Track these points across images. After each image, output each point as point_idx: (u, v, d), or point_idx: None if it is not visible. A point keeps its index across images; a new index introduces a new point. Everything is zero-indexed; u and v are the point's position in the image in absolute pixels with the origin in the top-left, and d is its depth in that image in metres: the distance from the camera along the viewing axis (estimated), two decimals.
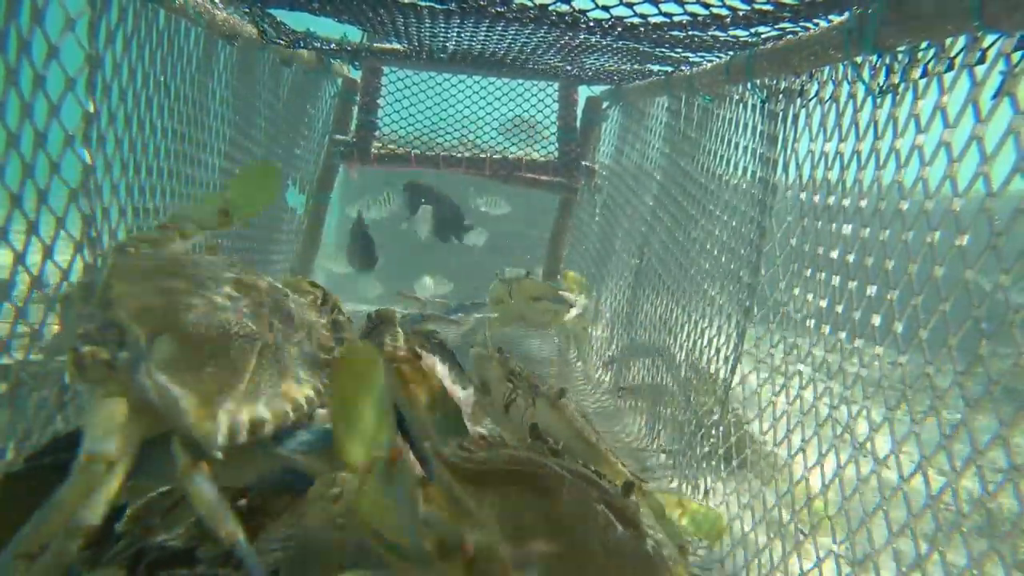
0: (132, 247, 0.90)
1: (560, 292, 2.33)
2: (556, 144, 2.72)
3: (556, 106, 2.71)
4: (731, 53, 1.44)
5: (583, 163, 2.73)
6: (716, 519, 1.16)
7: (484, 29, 1.58)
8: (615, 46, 1.59)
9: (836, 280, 1.12)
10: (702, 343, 1.60)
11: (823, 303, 1.15)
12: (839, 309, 1.11)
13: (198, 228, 1.01)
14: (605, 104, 2.77)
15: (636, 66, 1.95)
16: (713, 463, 1.48)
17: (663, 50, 1.56)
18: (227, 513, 0.65)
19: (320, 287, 1.04)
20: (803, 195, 1.24)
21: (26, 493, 0.73)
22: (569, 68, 2.22)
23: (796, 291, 1.24)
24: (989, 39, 0.82)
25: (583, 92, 2.73)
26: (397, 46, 2.17)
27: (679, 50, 1.53)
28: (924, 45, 0.92)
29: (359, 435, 0.56)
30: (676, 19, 1.16)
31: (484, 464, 0.65)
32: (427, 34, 1.75)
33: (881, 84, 1.00)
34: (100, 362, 0.73)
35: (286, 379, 0.80)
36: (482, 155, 2.64)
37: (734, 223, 1.52)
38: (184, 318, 0.78)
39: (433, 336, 1.10)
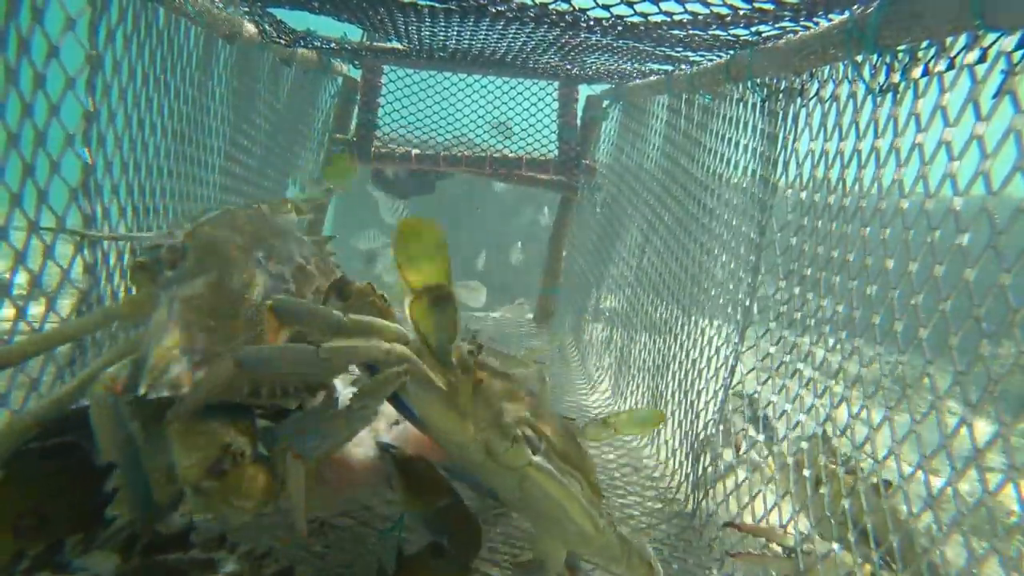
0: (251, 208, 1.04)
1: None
2: (556, 143, 2.72)
3: (556, 104, 2.71)
4: (732, 52, 1.44)
5: (583, 162, 2.73)
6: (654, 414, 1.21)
7: (484, 28, 1.58)
8: (615, 45, 1.59)
9: (836, 279, 1.12)
10: (702, 342, 1.60)
11: (823, 302, 1.15)
12: (839, 308, 1.11)
13: (307, 205, 1.19)
14: (605, 103, 2.77)
15: (636, 65, 1.95)
16: (715, 461, 1.48)
17: (663, 49, 1.56)
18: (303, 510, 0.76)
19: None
20: (803, 194, 1.24)
21: (27, 476, 0.76)
22: (569, 67, 2.22)
23: (796, 290, 1.24)
24: (990, 38, 0.82)
25: (583, 91, 2.74)
26: (397, 45, 2.17)
27: (679, 49, 1.53)
28: (925, 44, 0.92)
29: (418, 268, 0.75)
30: (677, 18, 1.16)
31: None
32: (427, 33, 1.75)
33: (881, 83, 1.00)
34: (147, 272, 0.86)
35: None
36: (482, 153, 2.64)
37: (734, 221, 1.52)
38: (229, 273, 0.86)
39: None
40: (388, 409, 1.05)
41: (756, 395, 1.38)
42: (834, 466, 1.14)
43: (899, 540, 0.94)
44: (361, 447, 1.01)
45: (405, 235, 0.73)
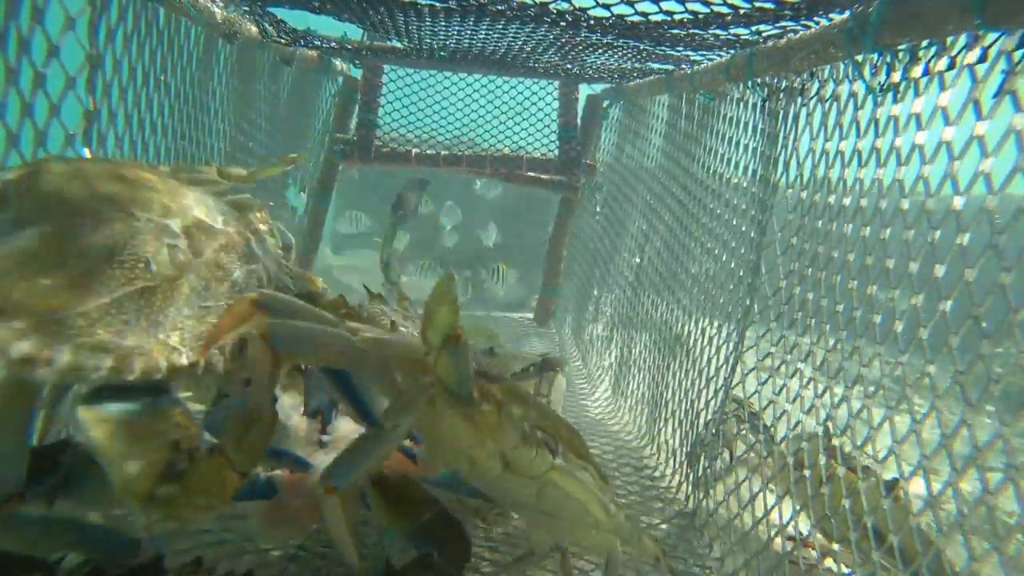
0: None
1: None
2: (556, 143, 2.72)
3: (556, 104, 2.71)
4: (732, 51, 1.44)
5: (584, 161, 2.73)
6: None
7: (484, 27, 1.58)
8: (616, 44, 1.59)
9: (837, 279, 1.12)
10: (703, 342, 1.60)
11: (823, 302, 1.15)
12: (839, 308, 1.11)
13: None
14: (606, 102, 2.77)
15: (637, 65, 1.95)
16: (714, 462, 1.48)
17: (664, 49, 1.56)
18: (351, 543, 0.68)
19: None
20: (804, 193, 1.24)
21: None
22: (570, 66, 2.22)
23: (796, 290, 1.24)
24: (990, 37, 0.82)
25: (583, 90, 2.74)
26: (397, 44, 2.17)
27: (680, 48, 1.53)
28: (925, 43, 0.92)
29: (437, 326, 0.69)
30: (677, 17, 1.16)
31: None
32: (427, 32, 1.75)
33: (882, 82, 1.00)
34: None
35: (159, 331, 0.65)
36: (483, 153, 2.64)
37: (734, 221, 1.51)
38: (81, 225, 0.63)
39: None
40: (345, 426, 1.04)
41: (751, 398, 1.38)
42: (836, 465, 1.14)
43: (906, 539, 0.95)
44: None
45: (433, 302, 0.69)
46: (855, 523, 1.03)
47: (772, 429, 1.35)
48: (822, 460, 1.13)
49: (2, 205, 0.63)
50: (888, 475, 1.07)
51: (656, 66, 1.92)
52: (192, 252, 0.71)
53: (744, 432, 1.47)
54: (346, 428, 1.04)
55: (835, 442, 1.14)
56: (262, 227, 0.88)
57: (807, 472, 1.15)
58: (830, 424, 1.12)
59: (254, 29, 1.79)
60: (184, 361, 0.65)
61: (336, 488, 0.68)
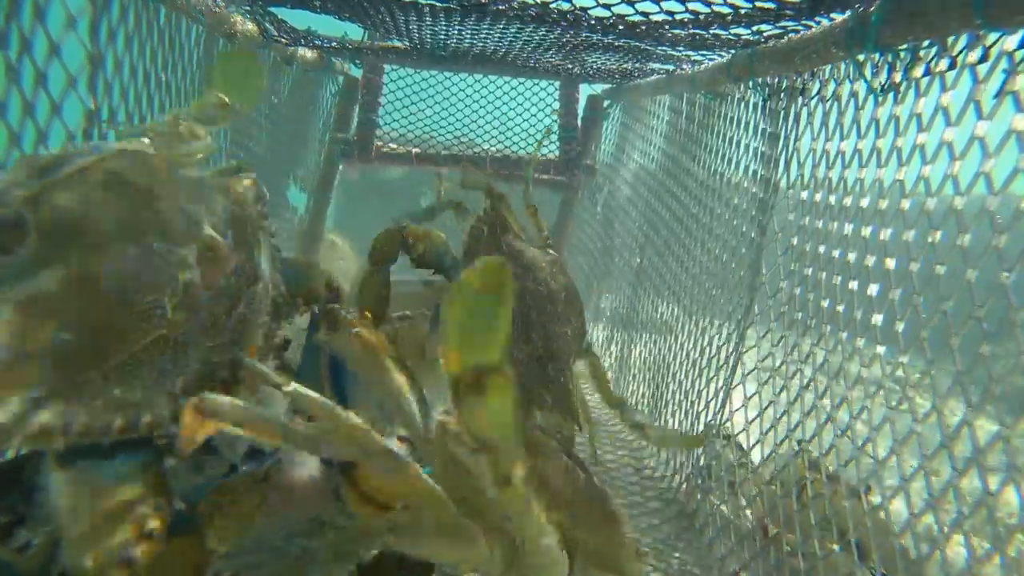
0: (148, 136, 0.76)
1: None
2: (557, 143, 2.72)
3: (557, 104, 2.71)
4: (733, 51, 1.44)
5: (584, 162, 2.73)
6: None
7: (485, 27, 1.58)
8: (617, 44, 1.59)
9: (837, 279, 1.12)
10: (703, 342, 1.60)
11: (824, 303, 1.15)
12: (840, 308, 1.11)
13: (203, 126, 0.86)
14: (606, 103, 2.77)
15: (638, 65, 1.95)
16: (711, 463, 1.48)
17: (665, 48, 1.56)
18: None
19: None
20: (804, 193, 1.24)
21: None
22: (570, 66, 2.22)
23: (797, 290, 1.23)
24: (991, 37, 0.82)
25: (584, 91, 2.74)
26: (398, 44, 2.17)
27: (681, 48, 1.53)
28: (926, 43, 0.92)
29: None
30: (678, 17, 1.16)
31: None
32: (428, 32, 1.75)
33: (883, 82, 1.00)
34: None
35: (167, 381, 0.62)
36: (483, 153, 2.64)
37: (735, 221, 1.51)
38: (96, 262, 0.59)
39: None
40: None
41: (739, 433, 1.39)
42: (817, 478, 1.15)
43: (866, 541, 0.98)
44: (304, 466, 0.95)
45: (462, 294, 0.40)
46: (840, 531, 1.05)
47: (757, 448, 1.35)
48: (796, 475, 1.15)
49: (20, 237, 0.58)
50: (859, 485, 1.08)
51: (657, 66, 1.92)
52: (204, 284, 0.65)
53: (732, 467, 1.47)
54: None
55: (815, 456, 1.16)
56: (257, 208, 0.80)
57: (790, 489, 1.17)
58: (809, 446, 1.14)
59: (255, 28, 1.79)
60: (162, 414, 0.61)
61: None
